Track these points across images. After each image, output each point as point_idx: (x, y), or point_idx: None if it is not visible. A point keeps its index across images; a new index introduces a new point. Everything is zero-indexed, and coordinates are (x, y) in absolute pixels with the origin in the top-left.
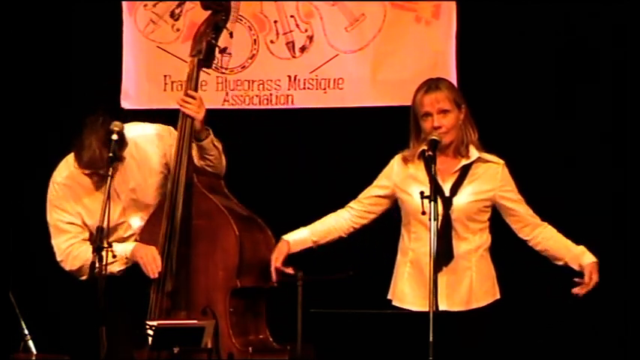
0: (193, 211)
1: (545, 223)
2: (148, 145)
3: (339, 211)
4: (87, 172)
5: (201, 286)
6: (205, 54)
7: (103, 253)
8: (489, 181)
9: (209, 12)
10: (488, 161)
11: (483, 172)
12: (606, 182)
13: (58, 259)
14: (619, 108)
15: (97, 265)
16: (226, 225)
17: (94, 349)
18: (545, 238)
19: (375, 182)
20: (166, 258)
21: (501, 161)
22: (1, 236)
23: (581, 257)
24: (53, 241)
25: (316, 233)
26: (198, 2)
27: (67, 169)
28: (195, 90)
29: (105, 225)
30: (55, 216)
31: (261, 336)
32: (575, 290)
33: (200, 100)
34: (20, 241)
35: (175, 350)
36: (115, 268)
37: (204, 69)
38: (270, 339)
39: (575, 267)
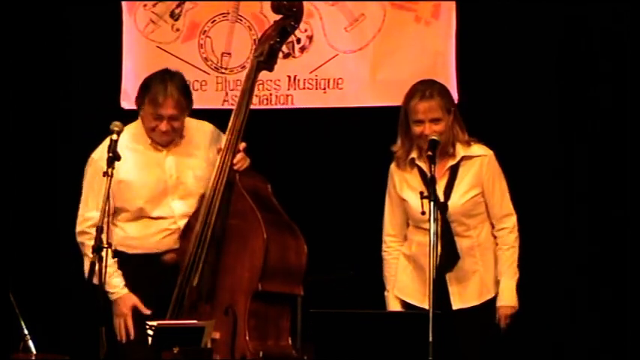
0: (230, 210)
1: (506, 233)
2: (203, 135)
3: (387, 250)
4: (160, 124)
5: (228, 285)
6: (266, 57)
7: (103, 254)
8: (477, 174)
9: (280, 15)
10: (474, 156)
11: (470, 167)
12: (605, 181)
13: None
14: (619, 107)
15: (96, 265)
16: (256, 227)
17: (94, 349)
18: (498, 247)
19: (388, 199)
20: (197, 252)
21: (489, 152)
22: (1, 236)
23: (499, 294)
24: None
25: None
26: (198, 2)
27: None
28: (252, 89)
29: (105, 225)
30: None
31: (281, 343)
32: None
33: (243, 148)
34: (20, 242)
35: (175, 350)
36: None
37: (266, 71)
38: (290, 347)
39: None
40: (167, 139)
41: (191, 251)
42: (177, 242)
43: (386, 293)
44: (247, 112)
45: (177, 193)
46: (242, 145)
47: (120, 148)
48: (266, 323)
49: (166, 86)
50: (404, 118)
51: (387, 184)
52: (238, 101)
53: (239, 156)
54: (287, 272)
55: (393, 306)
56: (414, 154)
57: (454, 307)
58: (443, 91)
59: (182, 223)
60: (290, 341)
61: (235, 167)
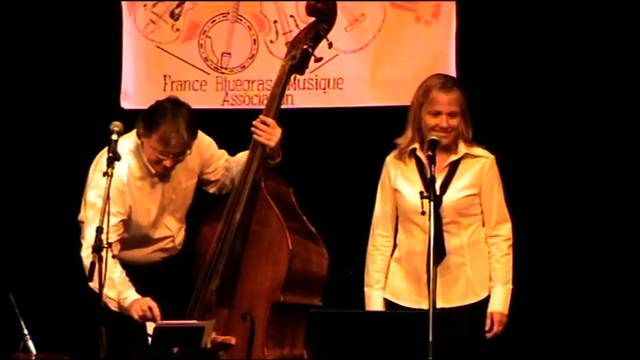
0: (254, 215)
1: (501, 240)
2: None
3: (375, 244)
4: (166, 160)
5: (247, 291)
6: (299, 61)
7: (103, 253)
8: (477, 174)
9: (313, 19)
10: (476, 156)
11: (471, 166)
12: (605, 180)
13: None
14: (618, 106)
15: (96, 265)
16: (281, 237)
17: (94, 349)
18: (492, 254)
19: (380, 192)
20: (218, 256)
21: (491, 155)
22: (1, 236)
23: (491, 300)
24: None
25: (383, 282)
26: (198, 2)
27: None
28: (283, 93)
29: (105, 225)
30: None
31: (296, 351)
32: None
33: (274, 125)
34: (20, 242)
35: (175, 350)
36: (112, 307)
37: (296, 75)
38: (304, 356)
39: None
40: (169, 172)
41: (212, 254)
42: (163, 256)
43: (367, 290)
44: (277, 116)
45: (167, 210)
46: (270, 121)
47: (129, 179)
48: (283, 332)
49: (178, 127)
50: (417, 109)
51: (381, 175)
52: (267, 105)
53: (268, 129)
54: (308, 284)
55: (375, 303)
56: (415, 145)
57: (437, 306)
58: (462, 87)
59: (178, 241)
60: (304, 350)
61: (259, 138)
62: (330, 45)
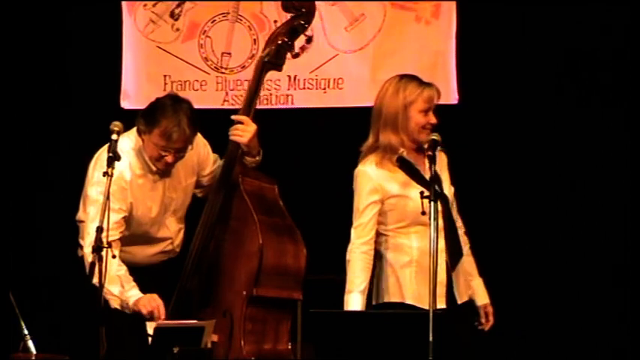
0: (233, 211)
1: (462, 232)
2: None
3: (356, 250)
4: (168, 156)
5: (227, 287)
6: (273, 56)
7: (103, 253)
8: (445, 168)
9: (290, 14)
10: (440, 151)
11: (439, 161)
12: (605, 180)
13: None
14: (618, 106)
15: (96, 265)
16: (253, 231)
17: (94, 349)
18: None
19: (365, 201)
20: (198, 253)
21: None
22: (1, 236)
23: (475, 294)
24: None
25: (364, 289)
26: (198, 2)
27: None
28: (258, 89)
29: (105, 225)
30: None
31: (279, 347)
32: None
33: (247, 122)
34: (20, 241)
35: (175, 350)
36: (113, 305)
37: (274, 70)
38: (290, 351)
39: (473, 297)
40: (170, 168)
41: (193, 252)
42: (162, 259)
43: (345, 296)
44: (253, 112)
45: (169, 209)
46: (243, 118)
47: (131, 176)
48: (264, 328)
49: (180, 121)
50: (402, 110)
51: (360, 185)
52: (244, 101)
53: (241, 126)
54: (284, 277)
55: (354, 307)
56: (402, 148)
57: (459, 302)
58: None
59: (177, 243)
60: (289, 346)
61: (231, 135)
62: (309, 39)
